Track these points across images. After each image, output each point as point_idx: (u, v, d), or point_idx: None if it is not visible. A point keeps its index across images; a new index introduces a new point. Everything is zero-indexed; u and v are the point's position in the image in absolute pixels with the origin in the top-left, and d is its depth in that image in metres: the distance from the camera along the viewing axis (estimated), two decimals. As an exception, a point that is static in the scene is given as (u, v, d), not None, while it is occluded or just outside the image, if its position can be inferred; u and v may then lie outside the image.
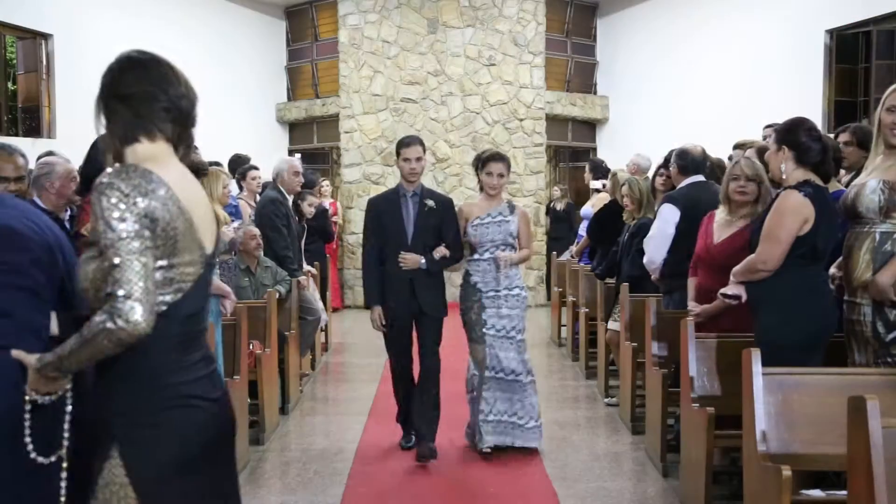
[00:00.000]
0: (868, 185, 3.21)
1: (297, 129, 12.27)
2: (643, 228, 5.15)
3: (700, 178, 4.85)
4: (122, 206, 1.68)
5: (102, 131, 1.85)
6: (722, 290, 3.56)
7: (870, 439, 2.10)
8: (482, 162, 4.60)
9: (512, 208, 4.60)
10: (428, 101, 10.98)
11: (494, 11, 10.95)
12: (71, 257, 2.04)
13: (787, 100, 8.30)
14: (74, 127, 7.45)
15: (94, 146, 4.09)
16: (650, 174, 6.01)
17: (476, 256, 4.56)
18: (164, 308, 1.76)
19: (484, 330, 4.50)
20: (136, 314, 1.65)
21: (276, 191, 6.14)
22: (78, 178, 4.18)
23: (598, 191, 7.66)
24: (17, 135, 8.50)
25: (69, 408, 1.91)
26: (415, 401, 4.60)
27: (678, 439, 4.10)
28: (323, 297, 7.19)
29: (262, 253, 5.68)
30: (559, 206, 10.84)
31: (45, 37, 8.75)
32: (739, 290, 3.48)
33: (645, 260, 4.88)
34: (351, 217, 11.10)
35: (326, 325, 7.66)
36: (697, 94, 10.26)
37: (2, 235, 1.93)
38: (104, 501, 1.80)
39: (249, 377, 4.75)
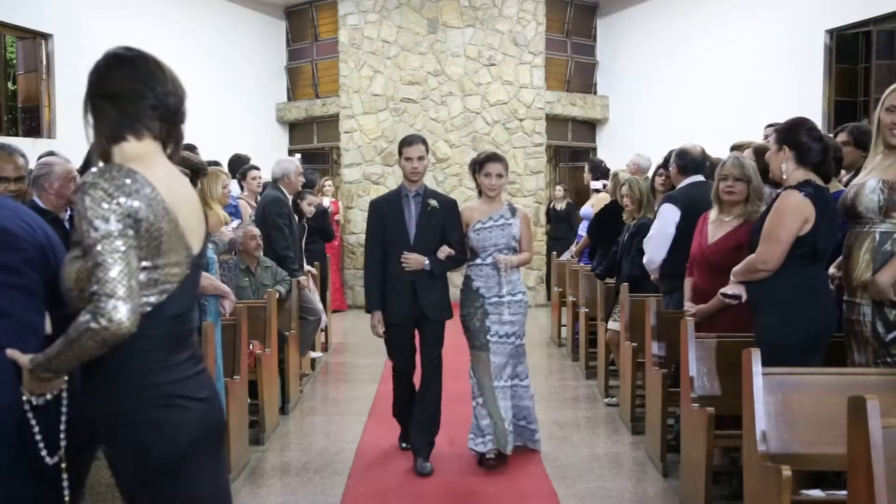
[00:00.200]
0: (867, 185, 3.21)
1: (297, 129, 12.27)
2: (643, 228, 5.16)
3: (700, 177, 4.85)
4: (105, 206, 1.67)
5: (90, 130, 1.84)
6: (722, 290, 3.56)
7: (870, 439, 2.10)
8: (479, 164, 4.50)
9: (513, 210, 4.48)
10: (428, 101, 10.98)
11: (494, 11, 10.95)
12: (62, 256, 2.04)
13: (787, 100, 8.30)
14: (74, 127, 7.40)
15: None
16: (650, 174, 6.02)
17: (479, 261, 4.43)
18: (148, 309, 1.74)
19: (488, 337, 4.36)
20: (120, 314, 1.64)
21: (279, 191, 6.15)
22: (78, 179, 4.18)
23: (597, 191, 7.66)
24: (17, 135, 8.50)
25: (65, 408, 1.92)
26: (413, 411, 4.51)
27: (678, 439, 4.10)
28: (323, 298, 7.19)
29: (261, 253, 5.68)
30: (560, 206, 10.83)
31: (45, 37, 8.75)
32: (739, 290, 3.48)
33: (645, 260, 4.88)
34: (351, 217, 11.10)
35: (326, 326, 7.65)
36: (697, 94, 10.26)
37: None
38: (91, 502, 1.79)
39: (249, 377, 4.75)
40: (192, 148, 5.89)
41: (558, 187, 11.17)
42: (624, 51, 11.66)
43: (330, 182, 10.46)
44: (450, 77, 10.95)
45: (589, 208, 7.70)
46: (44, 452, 1.88)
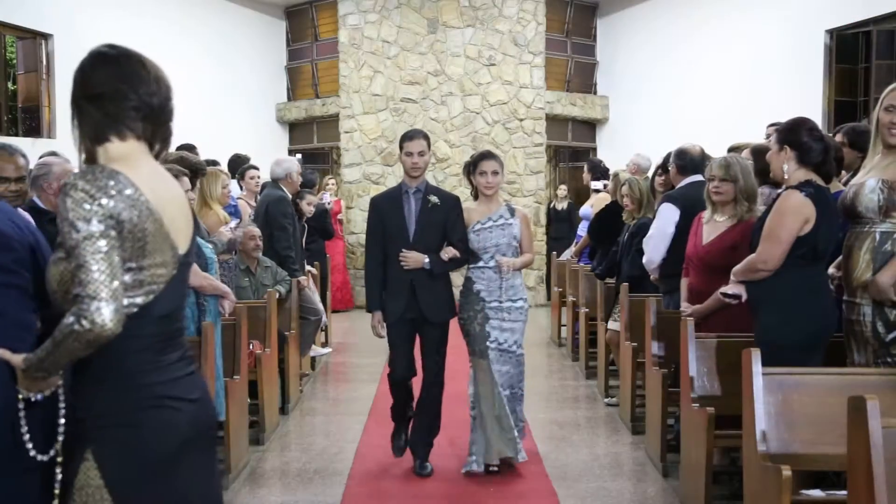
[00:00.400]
0: (867, 185, 3.21)
1: (297, 129, 12.26)
2: (643, 228, 5.16)
3: (699, 177, 4.84)
4: (87, 207, 1.66)
5: (75, 132, 1.83)
6: (722, 290, 3.56)
7: (870, 439, 2.11)
8: (473, 165, 4.39)
9: (512, 211, 4.37)
10: (428, 101, 10.98)
11: (494, 11, 10.95)
12: (49, 256, 2.05)
13: (787, 100, 8.30)
14: (74, 127, 7.42)
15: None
16: (650, 174, 6.02)
17: (480, 263, 4.29)
18: (135, 310, 1.74)
19: (488, 343, 4.23)
20: (103, 315, 1.64)
21: (281, 190, 6.15)
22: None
23: (597, 191, 7.67)
24: (17, 135, 8.50)
25: (62, 403, 1.92)
26: (413, 419, 4.43)
27: (678, 439, 4.10)
28: (323, 298, 7.19)
29: (260, 254, 5.67)
30: (561, 205, 10.84)
31: (45, 37, 8.76)
32: (739, 290, 3.48)
33: (644, 259, 4.88)
34: (351, 217, 11.09)
35: (326, 326, 7.65)
36: (697, 94, 10.26)
37: None
38: None
39: (249, 377, 4.75)
40: (191, 148, 5.91)
41: (561, 187, 11.17)
42: (624, 51, 11.65)
43: (334, 181, 10.48)
44: (450, 77, 10.95)
45: (588, 208, 7.70)
46: (33, 452, 1.90)
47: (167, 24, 9.80)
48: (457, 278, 4.35)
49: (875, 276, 3.15)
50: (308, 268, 6.65)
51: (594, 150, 12.15)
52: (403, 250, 4.22)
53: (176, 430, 1.79)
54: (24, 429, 1.90)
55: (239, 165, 7.05)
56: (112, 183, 1.70)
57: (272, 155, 7.76)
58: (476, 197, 4.45)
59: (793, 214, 3.24)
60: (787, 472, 2.72)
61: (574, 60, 11.87)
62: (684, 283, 4.24)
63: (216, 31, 10.89)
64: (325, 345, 7.84)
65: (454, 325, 4.33)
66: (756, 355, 3.05)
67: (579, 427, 5.36)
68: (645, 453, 4.68)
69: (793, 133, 3.34)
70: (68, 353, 1.69)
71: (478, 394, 4.31)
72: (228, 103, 10.71)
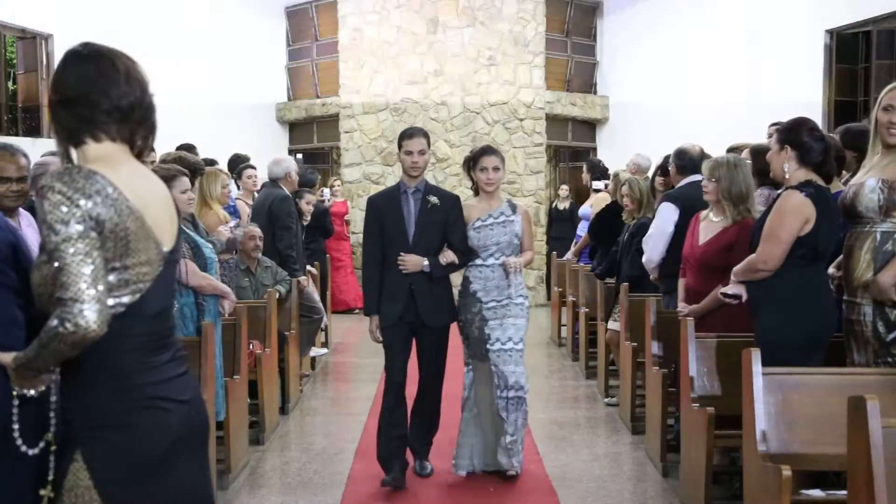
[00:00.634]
0: (867, 185, 3.21)
1: (297, 129, 12.26)
2: (643, 228, 5.16)
3: (698, 177, 4.84)
4: (65, 209, 1.64)
5: (55, 135, 1.82)
6: (722, 290, 3.57)
7: (870, 439, 2.11)
8: (473, 160, 4.29)
9: (513, 207, 4.28)
10: (428, 101, 10.97)
11: (494, 11, 10.94)
12: (30, 255, 2.08)
13: (788, 100, 8.30)
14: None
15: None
16: (650, 174, 6.02)
17: (479, 262, 4.19)
18: (122, 309, 1.73)
19: (488, 346, 4.13)
20: (86, 317, 1.63)
21: (282, 189, 6.14)
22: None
23: (597, 191, 7.66)
24: (17, 135, 8.49)
25: (54, 397, 1.93)
26: (412, 419, 4.34)
27: (678, 439, 4.10)
28: (323, 298, 7.18)
29: (260, 254, 5.67)
30: (562, 205, 10.83)
31: (45, 37, 8.75)
32: (740, 290, 3.48)
33: (643, 259, 4.89)
34: (351, 217, 11.09)
35: (326, 326, 7.65)
36: (697, 94, 10.25)
37: None
38: None
39: (249, 377, 4.75)
40: (191, 148, 5.91)
41: (563, 187, 11.17)
42: (624, 51, 11.65)
43: (339, 182, 10.46)
44: (450, 77, 10.95)
45: (588, 208, 7.70)
46: (24, 448, 1.91)
47: (167, 24, 9.79)
48: (455, 278, 4.29)
49: (876, 275, 3.15)
50: (308, 268, 6.64)
51: (594, 150, 12.15)
52: (402, 254, 4.10)
53: (167, 430, 1.78)
54: (16, 426, 1.91)
55: (238, 165, 7.04)
56: (89, 184, 1.68)
57: (272, 155, 7.76)
58: (476, 193, 4.37)
59: (793, 214, 3.24)
60: (787, 472, 2.72)
61: (574, 60, 11.87)
62: (681, 283, 4.24)
63: (216, 31, 10.88)
64: (324, 345, 7.84)
65: (454, 325, 4.29)
66: (756, 355, 3.06)
67: (579, 427, 5.36)
68: (645, 453, 4.68)
69: (793, 133, 3.34)
70: (55, 354, 1.69)
71: (477, 395, 4.28)
72: (228, 103, 10.70)
